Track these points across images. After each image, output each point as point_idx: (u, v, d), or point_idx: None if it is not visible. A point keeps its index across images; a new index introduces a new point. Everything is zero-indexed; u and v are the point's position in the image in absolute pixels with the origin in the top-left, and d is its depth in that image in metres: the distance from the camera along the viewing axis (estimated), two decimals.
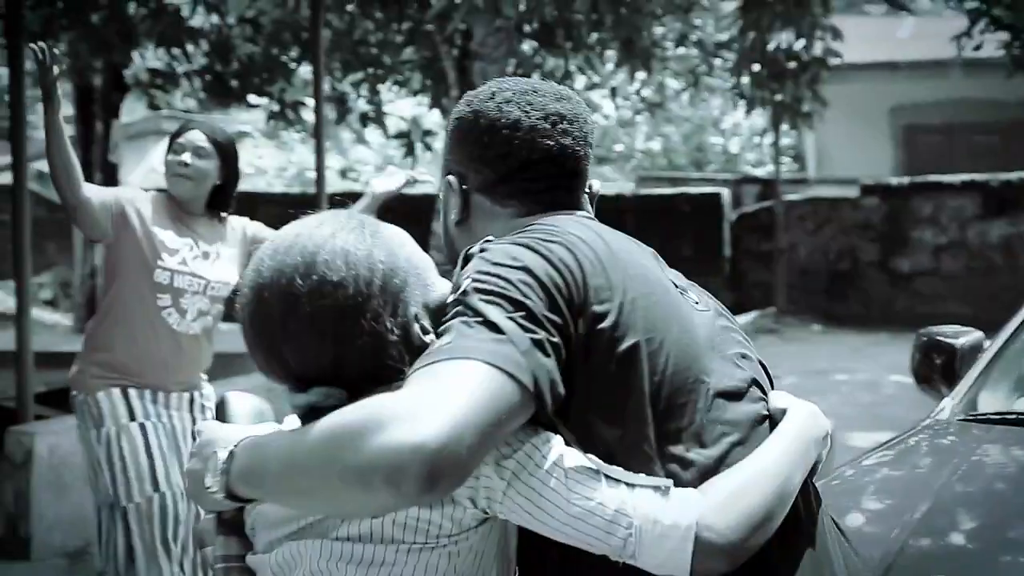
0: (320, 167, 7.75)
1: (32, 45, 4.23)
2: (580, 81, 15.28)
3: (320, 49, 8.61)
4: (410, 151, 14.71)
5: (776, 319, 16.09)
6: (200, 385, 4.77)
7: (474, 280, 1.70)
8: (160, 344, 4.58)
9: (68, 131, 4.54)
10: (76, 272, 14.84)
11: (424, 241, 13.05)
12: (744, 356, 1.95)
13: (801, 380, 11.56)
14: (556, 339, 1.68)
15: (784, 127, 16.54)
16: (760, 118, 19.97)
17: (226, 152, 4.69)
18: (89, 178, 4.96)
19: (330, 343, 1.70)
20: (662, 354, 1.77)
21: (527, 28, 12.37)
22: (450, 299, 1.71)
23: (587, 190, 2.07)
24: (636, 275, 1.82)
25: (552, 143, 1.97)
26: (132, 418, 4.55)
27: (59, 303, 16.90)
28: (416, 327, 1.76)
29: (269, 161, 21.24)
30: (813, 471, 1.94)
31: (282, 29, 14.39)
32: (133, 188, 4.97)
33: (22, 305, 6.61)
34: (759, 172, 22.31)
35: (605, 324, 1.73)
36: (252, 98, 15.19)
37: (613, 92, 15.75)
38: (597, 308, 1.73)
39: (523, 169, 1.97)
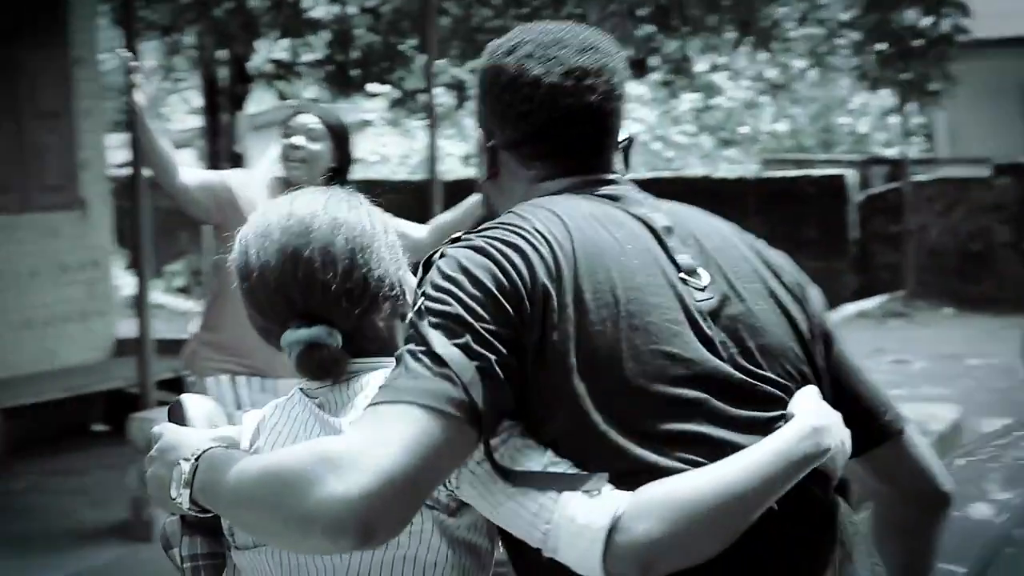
0: (433, 154, 7.78)
1: (120, 51, 4.30)
2: (701, 63, 15.14)
3: (433, 37, 8.64)
4: None
5: (906, 302, 15.77)
6: None
7: (426, 298, 1.68)
8: None
9: (196, 122, 4.75)
10: (205, 260, 15.13)
11: None
12: (749, 351, 1.77)
13: (932, 364, 11.31)
14: (505, 356, 1.64)
15: (913, 106, 16.19)
16: (890, 97, 19.58)
17: (339, 134, 4.64)
18: (216, 168, 5.12)
19: (340, 279, 1.80)
20: (618, 360, 1.68)
21: (641, 11, 12.29)
22: (409, 315, 1.71)
23: (620, 142, 1.94)
24: (601, 278, 1.72)
25: (574, 100, 1.84)
26: (239, 407, 4.55)
27: (191, 291, 17.25)
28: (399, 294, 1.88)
29: (392, 149, 21.39)
30: (844, 489, 1.84)
31: (401, 18, 14.49)
32: (247, 172, 5.07)
33: (142, 293, 6.76)
34: (889, 152, 21.90)
35: (555, 336, 1.67)
36: (372, 87, 15.31)
37: (732, 73, 15.56)
38: (549, 316, 1.68)
39: (545, 130, 1.86)
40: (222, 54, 14.88)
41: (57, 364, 8.62)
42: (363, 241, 1.83)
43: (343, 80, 15.39)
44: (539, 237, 1.73)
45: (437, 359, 1.61)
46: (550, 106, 1.85)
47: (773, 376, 1.77)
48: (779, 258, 1.96)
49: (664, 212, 1.88)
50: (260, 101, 23.39)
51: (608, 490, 1.62)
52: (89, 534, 6.57)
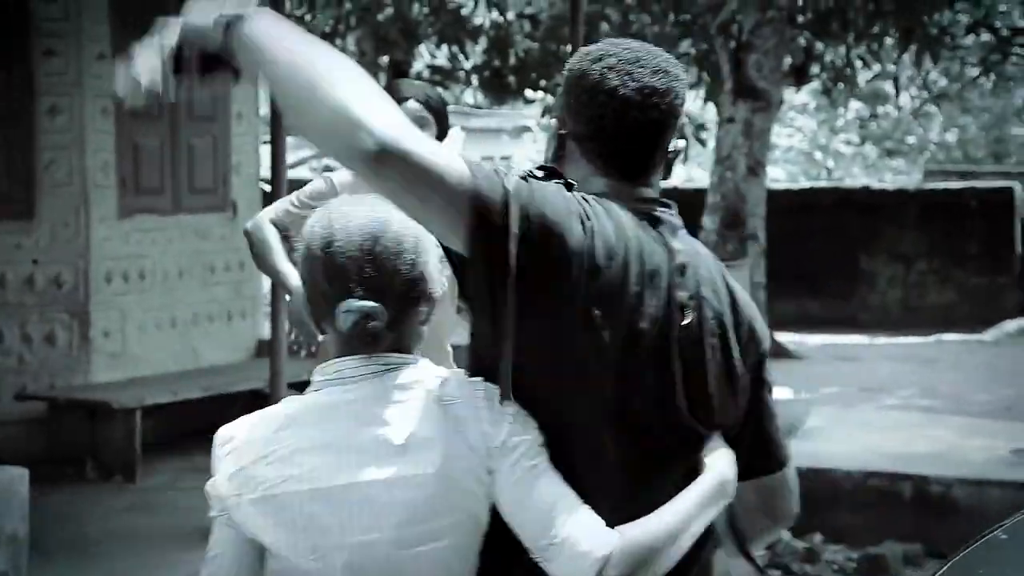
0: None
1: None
2: (864, 71, 14.78)
3: (578, 43, 8.55)
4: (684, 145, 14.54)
5: None
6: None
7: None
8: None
9: None
10: None
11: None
12: (696, 386, 2.10)
13: None
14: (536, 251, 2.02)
15: None
16: None
17: (442, 115, 4.51)
18: None
19: (404, 269, 2.04)
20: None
21: (800, 18, 12.03)
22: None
23: (669, 153, 2.21)
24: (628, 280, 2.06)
25: (640, 115, 2.12)
26: None
27: None
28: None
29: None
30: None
31: (560, 24, 14.46)
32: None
33: (275, 292, 6.82)
34: None
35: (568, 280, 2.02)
36: (529, 93, 15.32)
37: (896, 82, 15.18)
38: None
39: (611, 133, 2.14)
40: (381, 60, 15.04)
41: (201, 364, 8.78)
42: (422, 247, 2.07)
43: (500, 86, 15.43)
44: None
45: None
46: (620, 116, 2.12)
47: (701, 416, 2.10)
48: (743, 297, 2.26)
49: (684, 249, 2.14)
50: None
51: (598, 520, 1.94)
52: (203, 534, 6.64)
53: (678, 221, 2.16)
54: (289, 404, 2.08)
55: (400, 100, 4.34)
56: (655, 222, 2.12)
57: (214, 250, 8.86)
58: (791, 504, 2.40)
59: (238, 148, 9.06)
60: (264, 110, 9.59)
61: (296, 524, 1.97)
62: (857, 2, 11.31)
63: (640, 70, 2.13)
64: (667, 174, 2.21)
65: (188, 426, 8.25)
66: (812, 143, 25.68)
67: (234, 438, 2.11)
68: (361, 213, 2.06)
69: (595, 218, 2.02)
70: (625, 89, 2.11)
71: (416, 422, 1.96)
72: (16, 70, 7.95)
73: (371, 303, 2.01)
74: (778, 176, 22.83)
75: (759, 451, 2.30)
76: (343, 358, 2.04)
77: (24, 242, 8.04)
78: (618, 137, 2.12)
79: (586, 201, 2.04)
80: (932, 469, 7.63)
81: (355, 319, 2.01)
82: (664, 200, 2.15)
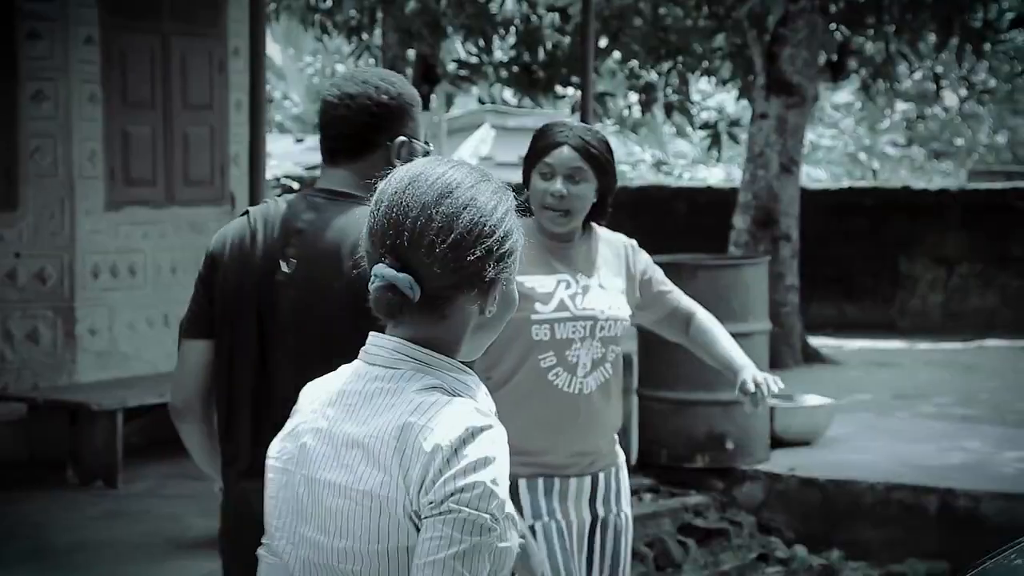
0: None
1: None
2: (906, 68, 14.24)
3: (590, 30, 8.14)
4: (715, 143, 14.11)
5: None
6: (611, 459, 3.72)
7: None
8: (550, 413, 3.60)
9: None
10: None
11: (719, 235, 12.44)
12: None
13: None
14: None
15: None
16: None
17: (604, 164, 3.64)
18: None
19: (446, 247, 1.85)
20: None
21: (833, 8, 11.51)
22: None
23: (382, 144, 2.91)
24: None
25: (332, 112, 2.93)
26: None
27: None
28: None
29: None
30: None
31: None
32: None
33: None
34: None
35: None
36: (559, 89, 14.90)
37: (937, 79, 14.61)
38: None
39: (320, 128, 2.99)
40: (407, 54, 14.68)
41: None
42: (482, 231, 1.87)
43: (529, 82, 15.02)
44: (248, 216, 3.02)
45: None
46: (321, 112, 2.96)
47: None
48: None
49: (310, 219, 2.90)
50: (464, 104, 23.31)
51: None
52: (189, 544, 6.28)
53: (331, 198, 2.89)
54: (340, 370, 1.99)
55: (549, 145, 3.60)
56: (311, 202, 2.91)
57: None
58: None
59: (237, 138, 8.64)
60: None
61: (281, 502, 1.93)
62: None
63: (345, 83, 2.94)
64: (386, 164, 2.69)
65: (172, 430, 7.87)
66: (856, 144, 25.13)
67: (302, 398, 2.01)
68: (428, 175, 1.91)
69: (254, 221, 2.90)
70: (328, 95, 2.94)
71: (383, 436, 1.81)
72: None
73: (398, 274, 1.84)
74: (820, 177, 22.32)
75: None
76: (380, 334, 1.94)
77: (6, 234, 7.70)
78: (320, 129, 2.95)
79: (265, 210, 2.94)
80: (961, 482, 7.16)
81: (380, 285, 1.86)
82: (331, 187, 2.92)
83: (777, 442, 7.76)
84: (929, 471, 7.45)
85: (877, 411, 9.68)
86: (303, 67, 25.04)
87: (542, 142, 3.59)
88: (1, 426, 7.59)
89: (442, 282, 1.85)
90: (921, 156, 24.68)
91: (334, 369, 2.06)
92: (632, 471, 7.11)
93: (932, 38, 12.48)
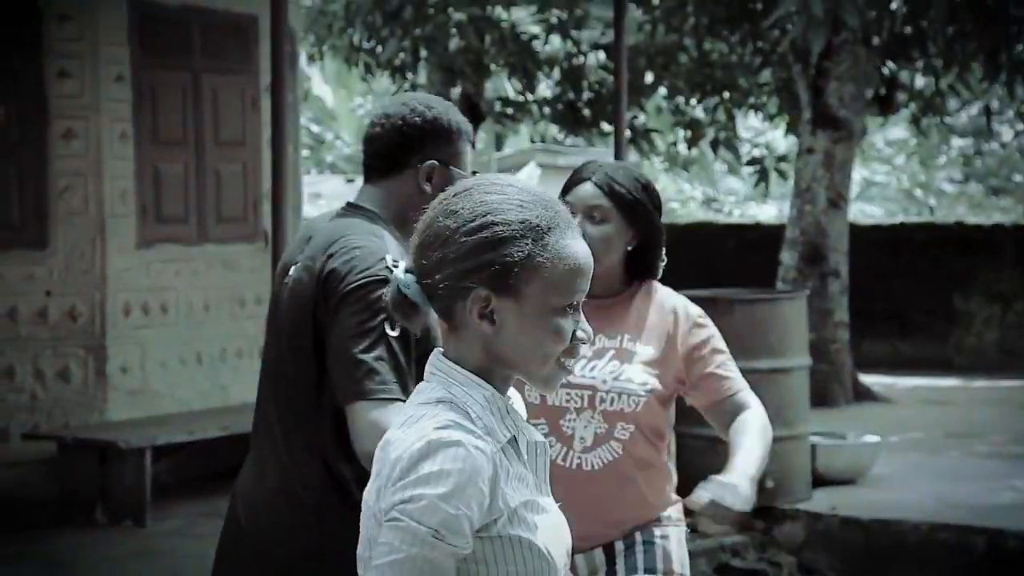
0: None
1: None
2: (956, 103, 13.99)
3: (623, 71, 7.98)
4: (763, 178, 13.92)
5: None
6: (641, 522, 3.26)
7: None
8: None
9: None
10: None
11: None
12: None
13: None
14: None
15: None
16: None
17: (632, 205, 3.27)
18: None
19: (447, 252, 1.86)
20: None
21: (876, 40, 11.32)
22: None
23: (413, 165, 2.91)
24: None
25: (369, 130, 2.98)
26: None
27: None
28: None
29: None
30: None
31: (635, 55, 13.93)
32: None
33: None
34: None
35: None
36: (605, 126, 14.78)
37: (988, 113, 14.34)
38: None
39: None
40: (452, 92, 14.63)
41: (230, 402, 8.33)
42: (478, 238, 1.84)
43: (574, 119, 14.92)
44: None
45: None
46: (365, 132, 3.01)
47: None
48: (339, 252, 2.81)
49: (322, 228, 2.94)
50: (516, 143, 23.26)
51: None
52: None
53: (347, 211, 2.94)
54: None
55: (572, 182, 3.34)
56: (335, 214, 2.97)
57: (244, 282, 8.41)
58: (360, 444, 2.62)
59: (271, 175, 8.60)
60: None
61: None
62: (934, 23, 10.55)
63: (389, 104, 2.97)
64: (415, 186, 2.89)
65: (208, 468, 7.81)
66: (912, 181, 24.80)
67: None
68: (471, 185, 1.92)
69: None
70: (372, 115, 2.99)
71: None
72: (28, 92, 7.62)
73: (404, 276, 1.89)
74: (875, 214, 22.03)
75: (334, 378, 2.75)
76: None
77: (37, 272, 7.68)
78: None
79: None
80: (1010, 522, 6.91)
81: (393, 286, 1.92)
82: (356, 202, 2.96)
83: (819, 481, 7.54)
84: (977, 511, 7.21)
85: (928, 450, 9.42)
86: (354, 108, 25.10)
87: (569, 180, 3.35)
88: (32, 465, 7.54)
89: (439, 287, 1.85)
90: (979, 193, 24.32)
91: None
92: None
93: (980, 71, 12.24)
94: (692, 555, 6.69)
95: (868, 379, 12.38)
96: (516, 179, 1.95)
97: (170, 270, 8.14)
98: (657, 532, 3.22)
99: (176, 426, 7.65)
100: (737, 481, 3.02)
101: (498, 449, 1.85)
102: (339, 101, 24.61)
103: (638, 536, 3.20)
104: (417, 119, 2.89)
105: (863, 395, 12.11)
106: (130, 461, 7.24)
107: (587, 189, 3.25)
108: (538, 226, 1.84)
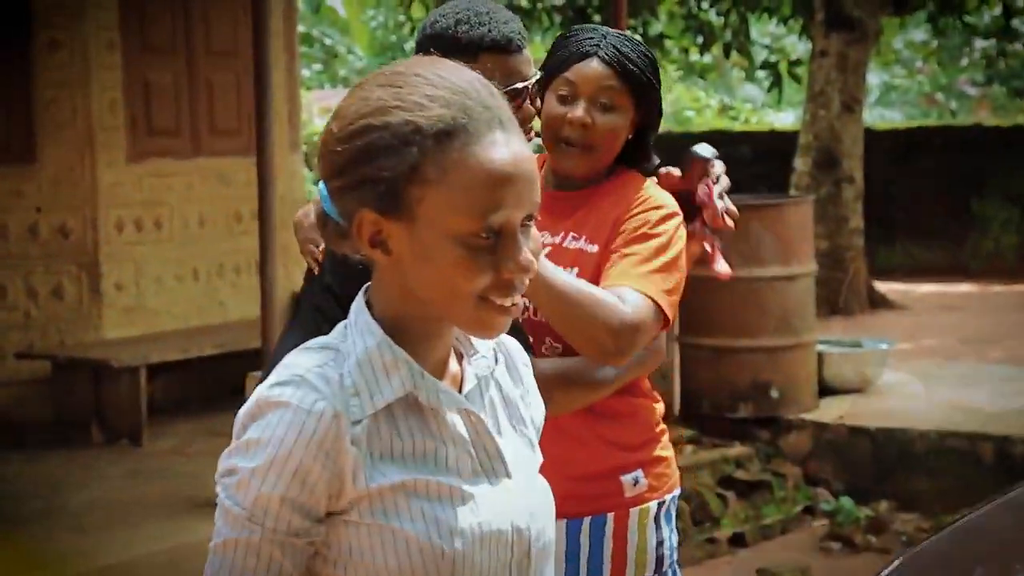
0: None
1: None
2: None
3: None
4: (776, 83, 13.62)
5: None
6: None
7: None
8: None
9: None
10: None
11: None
12: None
13: None
14: None
15: None
16: None
17: (646, 87, 2.66)
18: None
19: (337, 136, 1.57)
20: None
21: None
22: None
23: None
24: None
25: None
26: None
27: None
28: None
29: None
30: None
31: None
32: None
33: (264, 247, 6.22)
34: None
35: None
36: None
37: (1008, 11, 13.93)
38: None
39: None
40: None
41: (229, 318, 8.20)
42: (371, 150, 1.50)
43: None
44: None
45: None
46: None
47: None
48: None
49: None
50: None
51: None
52: (207, 503, 6.07)
53: None
54: None
55: (572, 56, 2.64)
56: None
57: (240, 196, 8.21)
58: None
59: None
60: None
61: None
62: None
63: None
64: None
65: (203, 386, 7.72)
66: (933, 84, 24.36)
67: None
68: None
69: None
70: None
71: None
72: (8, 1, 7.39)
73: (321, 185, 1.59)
74: (895, 118, 21.66)
75: None
76: None
77: (25, 188, 7.50)
78: None
79: None
80: (1020, 428, 6.77)
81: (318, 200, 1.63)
82: None
83: (826, 390, 7.40)
84: (987, 417, 7.06)
85: (941, 357, 9.27)
86: (367, 20, 24.72)
87: (563, 51, 2.64)
88: (26, 384, 7.44)
89: (337, 205, 1.56)
90: (1002, 95, 23.86)
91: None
92: (674, 422, 6.82)
93: None
94: (696, 467, 6.61)
95: (883, 286, 12.20)
96: (437, 64, 1.56)
97: (163, 184, 7.96)
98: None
99: (171, 344, 7.53)
100: None
101: (366, 415, 1.50)
102: (352, 12, 24.22)
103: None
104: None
105: (878, 302, 11.93)
106: (125, 380, 7.14)
107: (595, 67, 2.60)
108: (434, 130, 1.48)
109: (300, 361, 1.52)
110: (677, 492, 2.79)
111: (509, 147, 1.50)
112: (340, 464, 1.47)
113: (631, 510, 2.68)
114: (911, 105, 24.17)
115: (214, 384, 7.60)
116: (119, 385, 7.17)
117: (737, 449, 6.93)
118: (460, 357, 1.64)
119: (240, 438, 1.49)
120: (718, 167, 2.71)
